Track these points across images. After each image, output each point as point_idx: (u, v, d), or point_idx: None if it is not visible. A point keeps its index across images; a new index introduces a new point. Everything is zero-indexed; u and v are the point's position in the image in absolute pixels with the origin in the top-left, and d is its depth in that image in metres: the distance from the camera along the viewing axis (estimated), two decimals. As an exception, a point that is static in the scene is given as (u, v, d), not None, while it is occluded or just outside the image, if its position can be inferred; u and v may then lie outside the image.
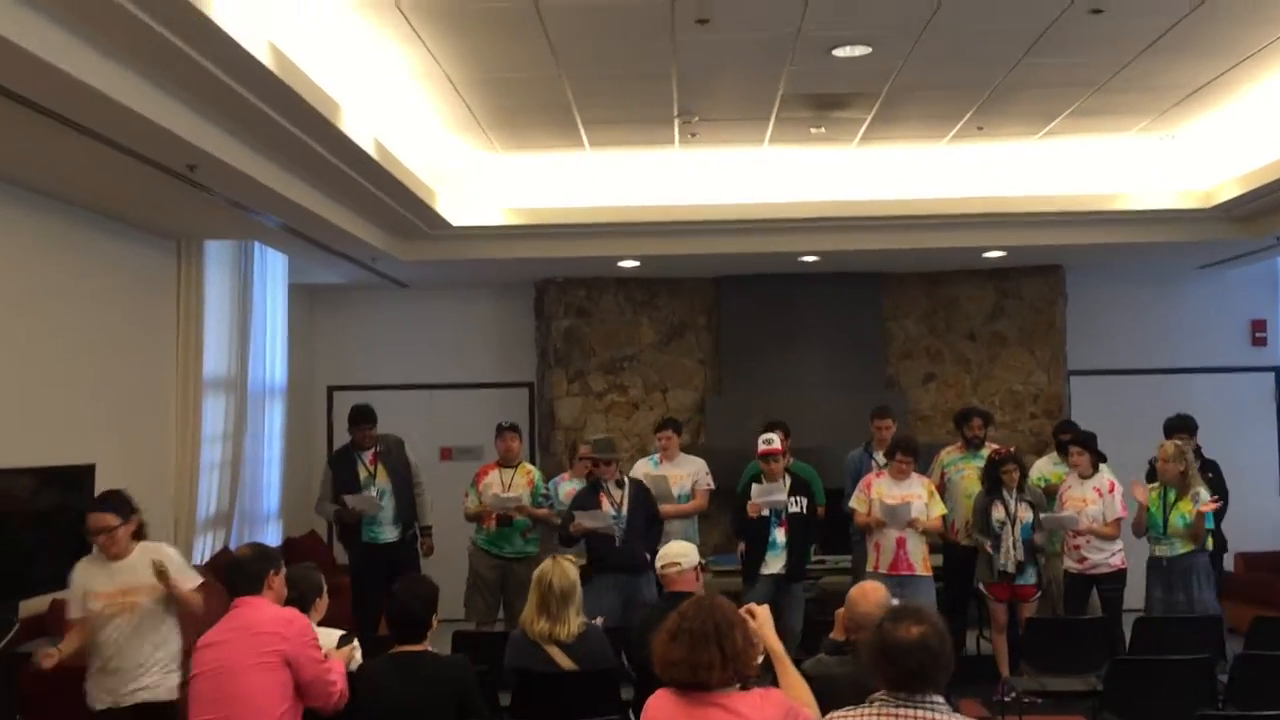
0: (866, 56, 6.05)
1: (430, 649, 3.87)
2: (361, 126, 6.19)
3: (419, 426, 10.43)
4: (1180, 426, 7.99)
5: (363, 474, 8.00)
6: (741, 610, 3.59)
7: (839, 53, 5.99)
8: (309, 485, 10.81)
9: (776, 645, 3.44)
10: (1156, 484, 6.98)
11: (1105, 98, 6.95)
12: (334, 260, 8.75)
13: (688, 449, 9.81)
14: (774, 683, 3.36)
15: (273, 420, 9.49)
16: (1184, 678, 4.68)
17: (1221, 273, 10.37)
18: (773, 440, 7.17)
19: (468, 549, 8.00)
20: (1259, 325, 10.77)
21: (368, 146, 6.17)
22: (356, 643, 4.18)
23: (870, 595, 3.91)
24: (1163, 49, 6.02)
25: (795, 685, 3.33)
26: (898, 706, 2.99)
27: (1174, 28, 5.70)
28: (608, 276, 10.19)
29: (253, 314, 8.93)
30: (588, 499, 7.04)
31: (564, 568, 4.55)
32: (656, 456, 7.98)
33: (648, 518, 6.99)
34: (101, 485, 6.49)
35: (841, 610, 3.93)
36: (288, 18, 5.11)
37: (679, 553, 4.79)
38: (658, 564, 4.80)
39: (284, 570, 4.16)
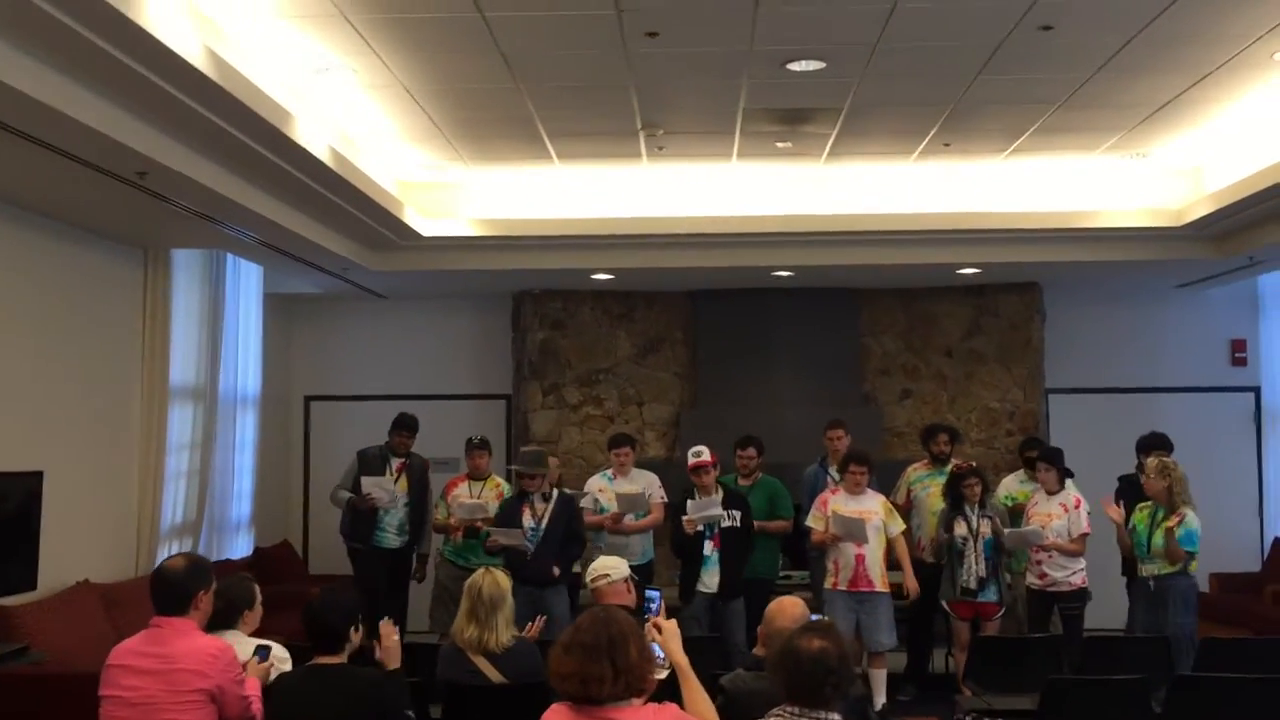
0: (822, 71, 6.05)
1: (345, 662, 3.81)
2: (317, 136, 6.20)
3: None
4: (1156, 444, 7.92)
5: (387, 474, 8.09)
6: (650, 623, 3.59)
7: (794, 67, 5.98)
8: (283, 494, 10.84)
9: (681, 659, 3.42)
10: (1149, 503, 6.85)
11: (1068, 115, 6.93)
12: (306, 270, 8.75)
13: (664, 463, 9.85)
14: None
15: (245, 429, 9.48)
16: (1120, 698, 4.64)
17: (1201, 292, 10.34)
18: (702, 453, 7.16)
19: (434, 560, 8.00)
20: (1239, 345, 10.73)
21: (323, 156, 6.18)
22: (274, 657, 4.11)
23: (788, 610, 3.89)
24: (1119, 67, 6.01)
25: (697, 699, 3.31)
26: (795, 719, 2.99)
27: (1126, 47, 5.69)
28: (584, 289, 10.19)
29: (224, 323, 8.93)
30: (512, 510, 7.09)
31: (495, 577, 4.54)
32: (610, 472, 7.96)
33: (568, 534, 7.01)
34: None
35: (761, 627, 3.91)
36: (229, 27, 5.14)
37: (608, 565, 4.77)
38: (587, 577, 4.78)
39: (213, 588, 4.01)
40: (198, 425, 8.59)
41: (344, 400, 11.00)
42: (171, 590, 3.89)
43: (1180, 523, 6.46)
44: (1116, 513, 6.86)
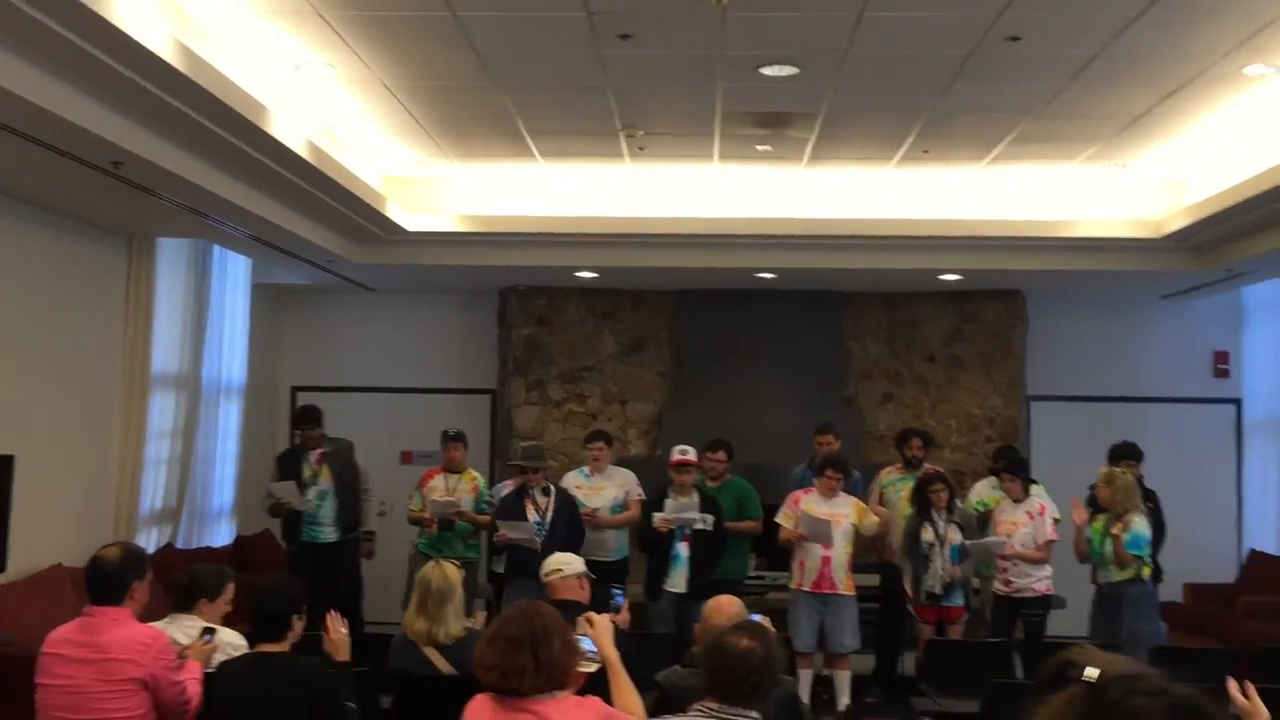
0: (795, 76, 6.09)
1: (288, 650, 3.86)
2: (295, 130, 6.26)
3: (381, 429, 10.52)
4: (1125, 453, 7.99)
5: (306, 473, 8.13)
6: (582, 618, 3.65)
7: (767, 71, 6.03)
8: (268, 484, 10.90)
9: (611, 654, 3.48)
10: (1104, 513, 6.94)
11: (1045, 124, 6.97)
12: (291, 262, 8.82)
13: (645, 461, 9.91)
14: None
15: (228, 418, 9.56)
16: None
17: (1185, 303, 10.37)
18: (687, 451, 7.22)
19: (408, 552, 8.05)
20: (1221, 357, 10.77)
21: (300, 150, 6.24)
22: (217, 638, 4.15)
23: (724, 609, 3.95)
24: (1090, 79, 6.05)
25: (625, 694, 3.37)
26: (711, 716, 3.04)
27: (1095, 59, 5.73)
28: (570, 286, 10.25)
29: (209, 312, 9.01)
30: (513, 505, 7.11)
31: (445, 569, 4.60)
32: (586, 469, 8.02)
33: (570, 527, 7.04)
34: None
35: (699, 624, 3.97)
36: (208, 23, 5.21)
37: (563, 560, 4.82)
38: (541, 572, 4.83)
39: (149, 578, 4.04)
40: (180, 413, 8.67)
41: (331, 391, 11.04)
42: (106, 580, 3.91)
43: (1126, 528, 6.54)
44: (1081, 514, 6.92)
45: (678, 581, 7.16)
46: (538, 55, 5.88)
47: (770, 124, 7.12)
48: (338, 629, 4.08)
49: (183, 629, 4.31)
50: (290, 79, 6.16)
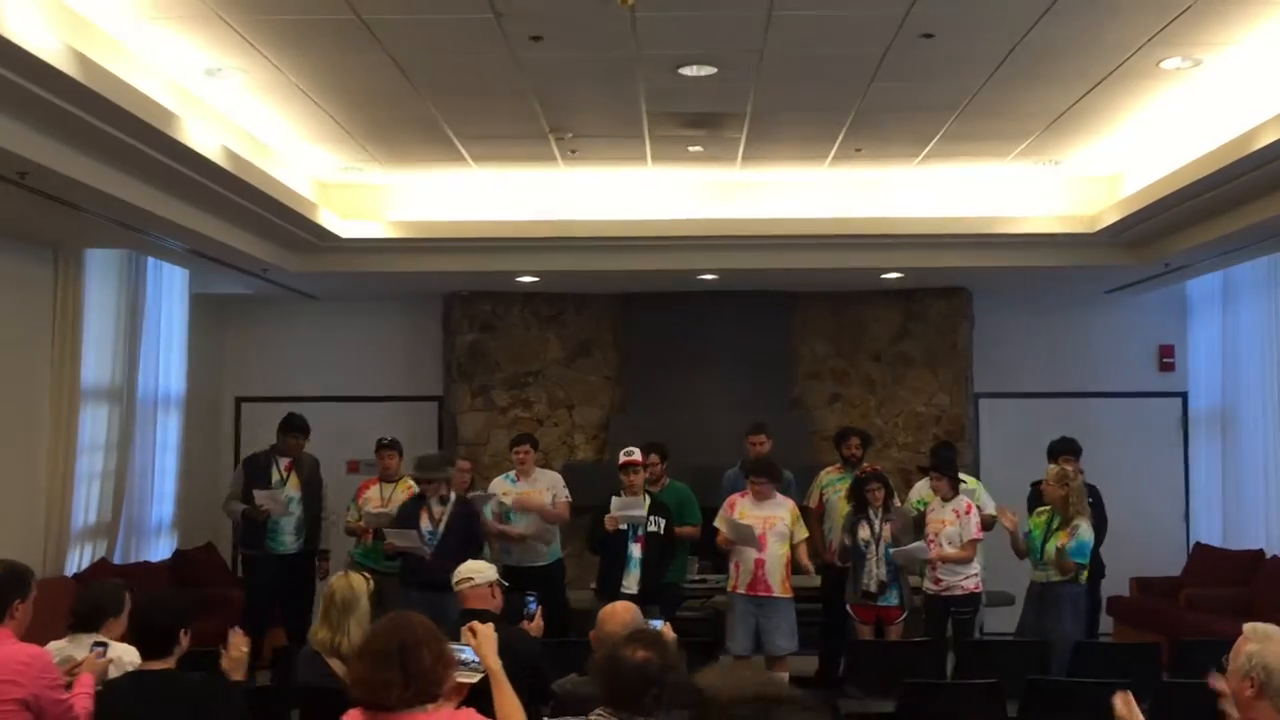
0: (714, 76, 6.06)
1: (174, 667, 3.78)
2: (211, 137, 6.18)
3: (327, 439, 10.37)
4: (1064, 449, 7.98)
5: (275, 477, 8.04)
6: (465, 628, 3.59)
7: (686, 71, 6.00)
8: (210, 496, 10.75)
9: (494, 664, 3.42)
10: (1047, 508, 6.91)
11: (971, 123, 6.97)
12: (225, 271, 8.73)
13: (593, 466, 9.86)
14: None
15: (167, 430, 9.45)
16: (975, 701, 4.67)
17: (1129, 298, 10.40)
18: (633, 452, 7.17)
19: (345, 563, 7.94)
20: (1167, 351, 10.80)
21: (214, 156, 6.15)
22: (110, 652, 4.07)
23: (618, 615, 3.89)
24: (1007, 75, 6.04)
25: (508, 705, 3.31)
26: (608, 726, 2.98)
27: (1009, 55, 5.73)
28: (513, 291, 10.18)
29: (144, 324, 8.90)
30: (410, 512, 7.09)
31: (351, 579, 4.54)
32: (513, 473, 7.97)
33: (465, 538, 6.98)
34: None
35: (593, 630, 3.92)
36: (110, 28, 5.13)
37: (474, 569, 4.74)
38: (453, 580, 4.76)
39: (32, 597, 3.95)
40: (113, 426, 8.55)
41: (276, 401, 10.91)
42: None
43: (1073, 535, 6.53)
44: (1010, 521, 6.92)
45: (630, 583, 7.09)
46: (452, 58, 5.82)
47: (697, 124, 7.09)
48: (238, 647, 4.00)
49: (83, 648, 4.23)
50: (203, 85, 6.09)
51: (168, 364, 9.43)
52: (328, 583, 4.61)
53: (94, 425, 8.30)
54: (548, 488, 7.84)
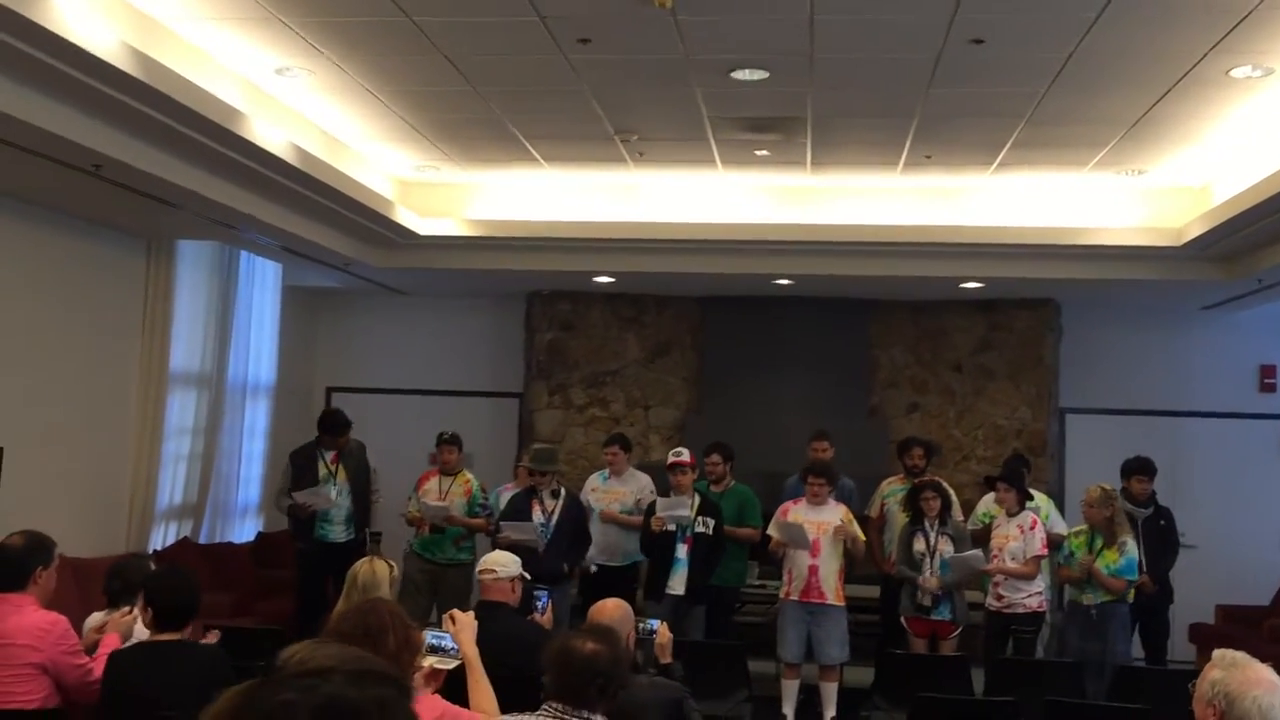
0: (767, 80, 6.05)
1: (186, 639, 3.94)
2: (278, 134, 6.40)
3: (412, 430, 10.65)
4: (1138, 469, 7.79)
5: (322, 471, 8.17)
6: (446, 615, 3.67)
7: (739, 75, 6.00)
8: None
9: (470, 651, 3.50)
10: (1084, 528, 6.81)
11: (1041, 130, 6.82)
12: (309, 264, 9.02)
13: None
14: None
15: (255, 417, 9.79)
16: (981, 718, 4.58)
17: (1227, 315, 10.03)
18: (682, 453, 7.21)
19: (403, 551, 8.13)
20: (1268, 371, 10.37)
21: (282, 153, 6.36)
22: (136, 610, 4.23)
23: (607, 611, 3.93)
24: (1070, 82, 5.91)
25: (480, 693, 3.38)
26: (556, 717, 3.04)
27: (1069, 62, 5.60)
28: (594, 291, 10.28)
29: (235, 313, 9.24)
30: (521, 506, 7.16)
31: (375, 565, 4.65)
32: (606, 472, 8.05)
33: (575, 532, 7.07)
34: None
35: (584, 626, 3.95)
36: (180, 29, 5.37)
37: (497, 561, 4.82)
38: (476, 569, 4.84)
39: (55, 565, 4.15)
40: (201, 411, 8.90)
41: (365, 393, 11.25)
42: (9, 567, 4.03)
43: (1122, 554, 6.39)
44: (1074, 575, 6.78)
45: (677, 583, 7.13)
46: (506, 60, 5.93)
47: (760, 129, 7.08)
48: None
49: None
50: (274, 85, 6.32)
51: (258, 353, 9.77)
52: (352, 567, 4.73)
53: (182, 409, 8.66)
54: (637, 489, 7.90)
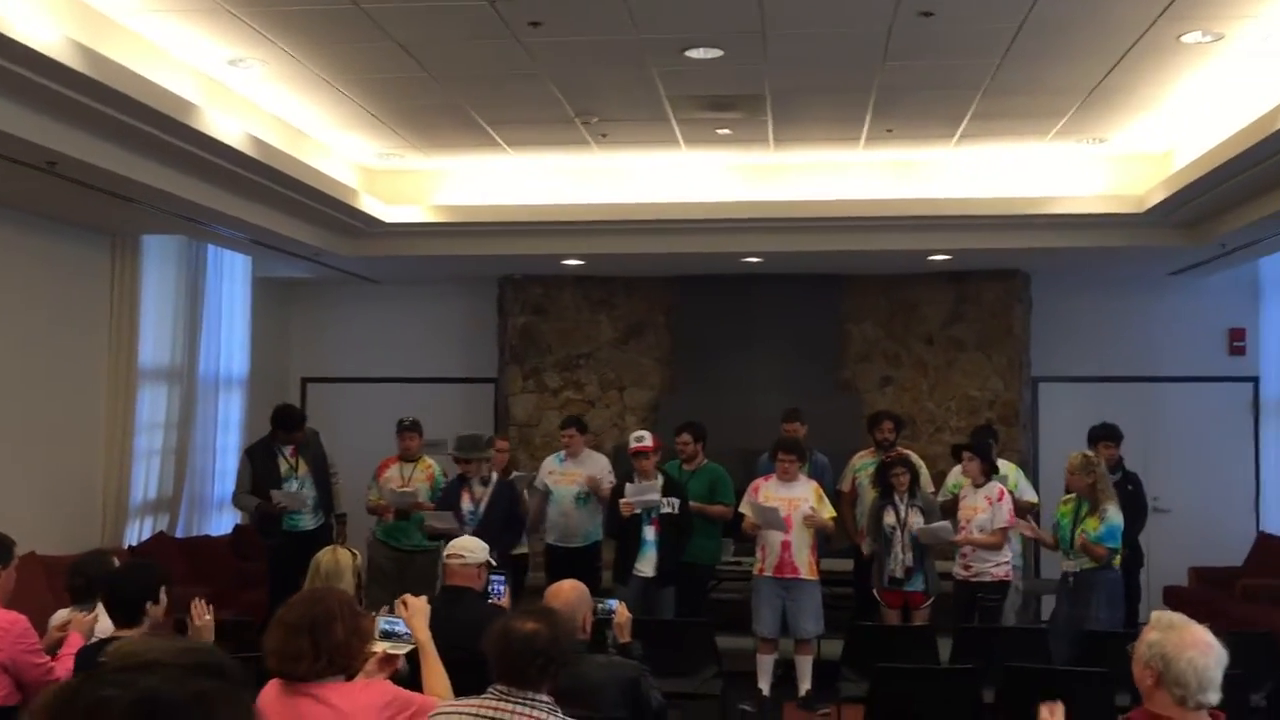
0: (723, 58, 6.05)
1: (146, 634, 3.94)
2: (235, 125, 6.38)
3: (387, 419, 10.57)
4: (1104, 435, 7.85)
5: (283, 467, 8.00)
6: (398, 600, 3.69)
7: (693, 54, 6.00)
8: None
9: (423, 636, 3.52)
10: (1072, 496, 6.84)
11: (1000, 101, 6.83)
12: (277, 255, 9.00)
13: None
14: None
15: (229, 409, 9.78)
16: (946, 688, 4.62)
17: (1196, 279, 10.08)
18: (644, 437, 7.22)
19: (367, 540, 8.12)
20: (1237, 334, 10.44)
21: (238, 143, 6.34)
22: (100, 609, 4.24)
23: (562, 593, 3.96)
24: (1026, 53, 5.92)
25: (434, 677, 3.40)
26: (501, 700, 3.06)
27: (1020, 32, 5.61)
28: (565, 274, 10.28)
29: (204, 306, 9.22)
30: (451, 494, 7.18)
31: (337, 555, 4.66)
32: (562, 454, 8.07)
33: (507, 518, 7.07)
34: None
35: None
36: (127, 22, 5.34)
37: (465, 546, 4.82)
38: (444, 555, 4.86)
39: (14, 564, 4.16)
40: (173, 406, 8.88)
41: (341, 382, 11.26)
42: None
43: (1103, 520, 6.43)
44: (1029, 531, 6.81)
45: (646, 565, 7.16)
46: (459, 45, 5.91)
47: (719, 107, 7.08)
48: (201, 615, 4.13)
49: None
50: (229, 76, 6.29)
51: (230, 345, 9.75)
52: (315, 556, 4.74)
53: (153, 404, 8.64)
54: (593, 470, 7.93)
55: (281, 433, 8.09)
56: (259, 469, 7.99)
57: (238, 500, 8.26)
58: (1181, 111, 7.12)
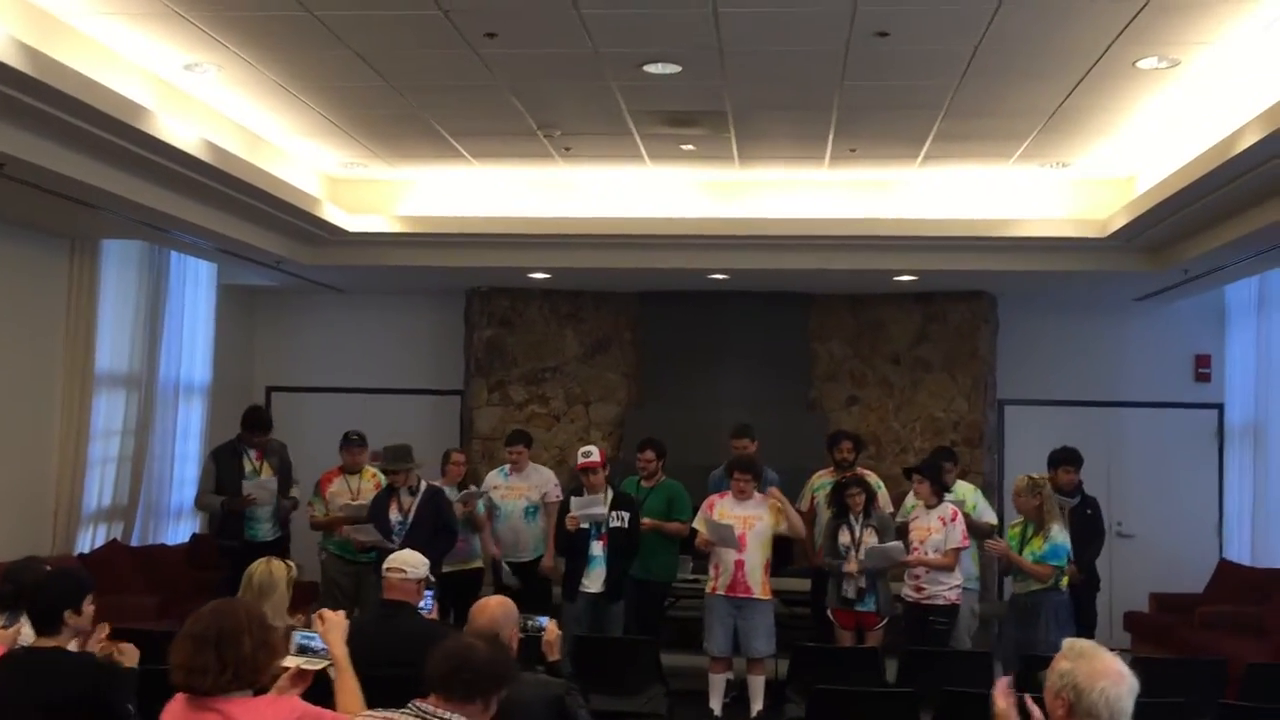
0: (682, 74, 6.03)
1: (58, 646, 3.83)
2: (189, 130, 6.32)
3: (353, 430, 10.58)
4: (1065, 459, 7.81)
5: (248, 467, 8.00)
6: (315, 615, 3.63)
7: (652, 69, 5.98)
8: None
9: (339, 652, 3.46)
10: (1020, 521, 6.84)
11: (962, 123, 6.84)
12: (239, 262, 8.94)
13: (609, 462, 9.84)
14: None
15: (189, 417, 9.69)
16: (885, 711, 4.58)
17: (1163, 305, 10.10)
18: (591, 453, 7.18)
19: (320, 556, 8.02)
20: (1203, 360, 10.46)
21: (192, 149, 6.28)
22: (23, 621, 4.15)
23: (489, 610, 3.90)
24: (983, 75, 5.92)
25: (347, 693, 3.35)
26: (416, 716, 3.00)
27: (977, 54, 5.61)
28: (532, 287, 10.24)
29: (166, 312, 9.14)
30: (379, 505, 7.12)
31: (271, 567, 4.61)
32: (506, 468, 8.03)
33: (435, 528, 6.99)
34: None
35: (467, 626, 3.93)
36: (78, 24, 5.29)
37: (407, 561, 4.75)
38: (384, 567, 4.79)
39: None
40: (131, 412, 8.79)
41: (306, 392, 11.17)
42: None
43: (1047, 540, 6.42)
44: (1003, 548, 6.78)
45: (593, 581, 7.09)
46: (416, 55, 5.88)
47: (681, 123, 7.06)
48: (128, 655, 4.05)
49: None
50: (185, 80, 6.24)
51: (192, 352, 9.67)
52: (248, 568, 4.68)
53: (110, 410, 8.55)
54: (537, 485, 7.88)
55: (249, 434, 8.05)
56: (223, 469, 7.96)
57: (201, 500, 8.22)
58: (1143, 137, 7.14)
